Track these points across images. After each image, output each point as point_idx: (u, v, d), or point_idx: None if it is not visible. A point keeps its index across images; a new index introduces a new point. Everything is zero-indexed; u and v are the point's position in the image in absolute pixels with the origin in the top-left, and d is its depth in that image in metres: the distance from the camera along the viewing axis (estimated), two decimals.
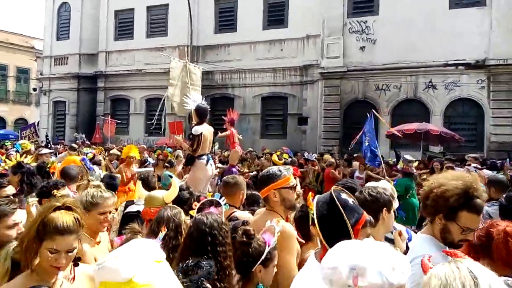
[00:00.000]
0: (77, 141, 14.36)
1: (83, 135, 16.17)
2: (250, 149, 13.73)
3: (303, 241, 2.21)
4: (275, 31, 15.78)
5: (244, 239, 1.78)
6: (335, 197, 1.54)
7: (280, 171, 2.27)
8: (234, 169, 6.96)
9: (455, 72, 12.51)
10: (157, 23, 18.33)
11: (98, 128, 17.68)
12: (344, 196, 1.58)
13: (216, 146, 12.03)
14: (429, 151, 11.99)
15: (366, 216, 1.55)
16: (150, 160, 8.10)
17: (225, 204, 2.21)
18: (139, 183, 3.30)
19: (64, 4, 20.55)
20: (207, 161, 5.21)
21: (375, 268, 1.02)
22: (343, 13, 13.70)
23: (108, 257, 1.05)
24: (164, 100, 9.32)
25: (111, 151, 9.27)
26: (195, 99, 5.48)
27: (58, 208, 1.56)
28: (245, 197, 3.16)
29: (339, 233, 1.46)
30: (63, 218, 1.52)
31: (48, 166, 4.49)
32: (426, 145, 11.84)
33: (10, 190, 2.90)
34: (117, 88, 18.96)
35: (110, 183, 3.29)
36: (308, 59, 14.99)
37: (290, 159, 8.64)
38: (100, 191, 2.45)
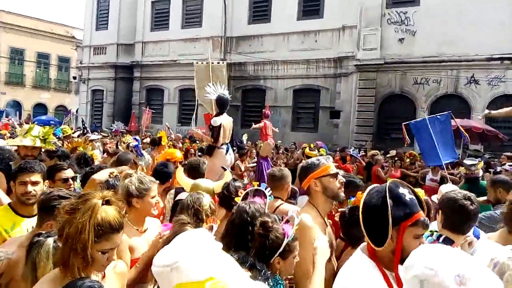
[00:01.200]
0: (113, 130, 14.92)
1: (122, 124, 16.80)
2: (279, 141, 13.71)
3: (343, 244, 2.16)
4: (310, 22, 15.50)
5: (261, 231, 1.74)
6: (387, 188, 1.47)
7: (318, 160, 2.24)
8: (264, 162, 6.97)
9: (499, 66, 11.81)
10: (192, 14, 18.51)
11: (134, 117, 18.21)
12: (402, 190, 1.49)
13: (245, 138, 12.10)
14: (469, 149, 11.46)
15: (421, 216, 1.46)
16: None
17: (270, 196, 2.19)
18: (180, 169, 3.23)
19: None
20: (227, 151, 5.36)
21: (480, 279, 1.00)
22: (381, 4, 13.22)
23: (179, 256, 0.97)
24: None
25: (143, 140, 9.54)
26: (217, 89, 5.61)
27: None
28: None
29: (379, 225, 1.42)
30: (113, 214, 1.44)
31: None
32: (466, 143, 11.31)
33: (69, 173, 2.90)
34: (152, 78, 19.40)
35: (163, 171, 3.29)
36: (343, 50, 14.63)
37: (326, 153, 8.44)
38: (144, 176, 2.44)
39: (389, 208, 1.43)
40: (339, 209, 2.50)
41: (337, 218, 2.47)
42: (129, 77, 20.14)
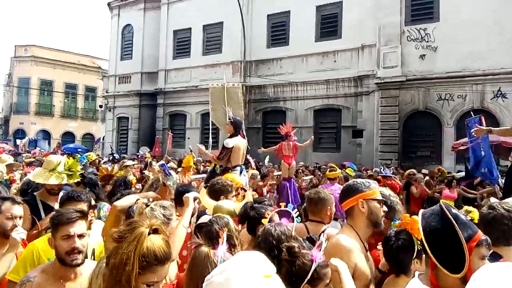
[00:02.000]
0: (139, 155, 15.29)
1: (147, 149, 17.22)
2: (301, 162, 13.61)
3: (389, 273, 2.02)
4: (328, 43, 15.65)
5: (287, 257, 1.66)
6: (445, 209, 1.40)
7: (368, 182, 2.17)
8: (287, 183, 6.92)
9: None
10: (212, 41, 19.05)
11: (158, 142, 18.60)
12: (454, 210, 1.44)
13: (267, 159, 12.09)
14: (499, 165, 11.02)
15: (481, 235, 1.39)
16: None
17: (297, 217, 2.12)
18: (203, 191, 3.18)
19: (127, 26, 22.16)
20: (240, 172, 5.34)
21: None
22: (400, 21, 13.24)
23: (215, 272, 1.02)
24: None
25: (168, 164, 9.65)
26: (241, 116, 5.74)
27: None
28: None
29: (450, 249, 1.32)
30: (159, 244, 1.35)
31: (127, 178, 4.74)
32: (496, 159, 10.90)
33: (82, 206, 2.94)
34: (175, 104, 19.88)
35: (185, 190, 3.30)
36: (363, 69, 14.62)
37: (355, 173, 8.19)
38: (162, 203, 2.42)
39: (457, 228, 1.33)
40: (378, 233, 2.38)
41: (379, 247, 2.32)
42: (152, 104, 20.71)
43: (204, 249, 1.71)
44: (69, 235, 1.89)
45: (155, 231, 1.37)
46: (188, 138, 18.74)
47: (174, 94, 19.81)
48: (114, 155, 13.85)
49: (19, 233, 2.32)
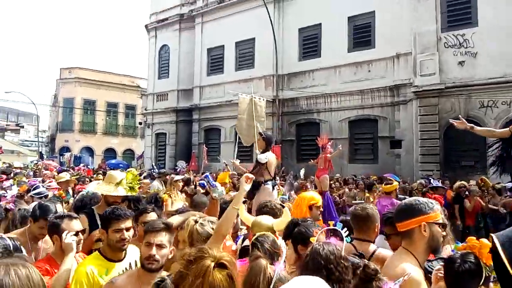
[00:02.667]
0: (178, 169, 15.74)
1: (185, 163, 17.74)
2: (337, 174, 13.40)
3: None
4: (362, 53, 15.49)
5: (362, 275, 1.58)
6: None
7: (432, 203, 2.00)
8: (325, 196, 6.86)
9: None
10: (245, 56, 19.43)
11: (194, 157, 19.03)
12: None
13: (302, 172, 12.01)
14: None
15: None
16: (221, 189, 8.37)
17: (347, 236, 2.02)
18: (242, 206, 3.10)
19: (164, 46, 23.12)
20: (273, 187, 5.39)
21: None
22: (436, 28, 12.89)
23: None
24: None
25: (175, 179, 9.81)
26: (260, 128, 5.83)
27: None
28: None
29: None
30: (220, 281, 1.31)
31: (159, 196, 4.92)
32: None
33: (152, 216, 3.01)
34: (209, 119, 20.34)
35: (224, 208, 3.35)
36: (399, 78, 14.31)
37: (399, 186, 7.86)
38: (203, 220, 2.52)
39: None
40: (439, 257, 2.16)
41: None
42: (188, 120, 21.31)
43: (263, 261, 1.70)
44: (150, 242, 2.11)
45: (220, 265, 1.34)
46: (219, 156, 19.03)
47: (209, 109, 20.29)
48: (154, 169, 14.31)
49: (70, 237, 2.43)
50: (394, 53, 14.47)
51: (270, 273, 1.63)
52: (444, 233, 2.00)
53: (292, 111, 17.64)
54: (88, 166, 19.66)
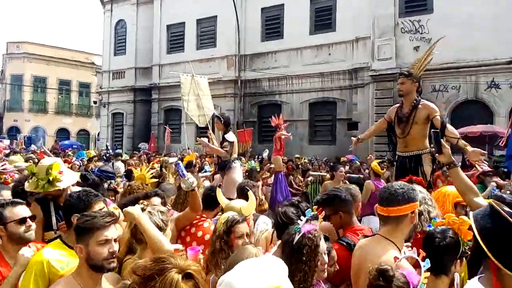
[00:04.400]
0: (141, 151, 15.34)
1: (146, 144, 17.33)
2: (296, 155, 13.61)
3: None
4: (323, 36, 15.62)
5: (381, 283, 1.49)
6: (499, 209, 1.32)
7: (414, 190, 2.02)
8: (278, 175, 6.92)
9: None
10: (206, 35, 18.93)
11: (154, 138, 18.54)
12: (506, 208, 1.35)
13: (266, 153, 12.09)
14: (494, 155, 11.13)
15: None
16: (207, 168, 8.30)
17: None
18: (219, 190, 3.03)
19: (120, 21, 21.96)
20: (240, 165, 5.52)
21: None
22: (394, 13, 13.22)
23: (230, 273, 1.00)
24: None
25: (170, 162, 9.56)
26: (211, 108, 5.72)
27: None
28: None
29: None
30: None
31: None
32: (490, 149, 11.00)
33: (155, 201, 2.85)
34: (169, 99, 19.78)
35: (211, 195, 3.05)
36: (358, 62, 14.62)
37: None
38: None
39: None
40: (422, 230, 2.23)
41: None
42: (147, 99, 20.61)
43: (253, 249, 1.75)
44: (107, 239, 1.80)
45: (188, 275, 1.20)
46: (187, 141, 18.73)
47: (169, 89, 19.70)
48: (108, 151, 13.77)
49: (28, 251, 2.08)
50: (354, 37, 14.71)
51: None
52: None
53: (254, 92, 17.58)
54: (40, 148, 18.56)
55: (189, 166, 6.81)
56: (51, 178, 2.75)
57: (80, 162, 9.70)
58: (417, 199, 1.99)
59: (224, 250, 2.16)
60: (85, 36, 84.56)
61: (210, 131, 5.76)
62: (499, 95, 11.93)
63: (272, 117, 7.47)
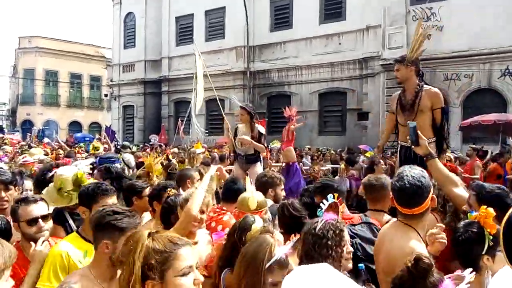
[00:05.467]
0: (151, 142, 15.54)
1: (156, 137, 17.53)
2: (307, 146, 13.59)
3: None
4: (332, 25, 15.44)
5: (414, 270, 1.38)
6: None
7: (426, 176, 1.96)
8: (291, 168, 6.87)
9: None
10: (215, 26, 18.88)
11: (164, 130, 18.68)
12: None
13: (275, 144, 12.11)
14: (506, 144, 10.98)
15: None
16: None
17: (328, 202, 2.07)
18: (247, 180, 2.98)
19: (129, 14, 22.01)
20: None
21: None
22: (405, 1, 13.00)
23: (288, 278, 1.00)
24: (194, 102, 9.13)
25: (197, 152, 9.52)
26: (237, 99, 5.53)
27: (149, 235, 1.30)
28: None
29: None
30: (168, 234, 1.30)
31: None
32: (504, 138, 10.85)
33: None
34: (179, 91, 19.86)
35: (232, 188, 3.01)
36: (368, 51, 14.45)
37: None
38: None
39: None
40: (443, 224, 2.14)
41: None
42: (157, 92, 20.73)
43: (270, 239, 1.66)
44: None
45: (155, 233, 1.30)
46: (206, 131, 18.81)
47: (178, 81, 19.78)
48: (118, 143, 13.93)
49: (44, 245, 2.03)
50: (364, 25, 14.52)
51: (273, 252, 1.58)
52: None
53: (263, 84, 17.53)
54: (54, 142, 18.83)
55: (222, 159, 6.79)
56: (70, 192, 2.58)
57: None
58: (430, 184, 1.94)
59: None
60: (95, 30, 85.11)
61: (227, 121, 5.39)
62: None
63: (286, 108, 7.42)
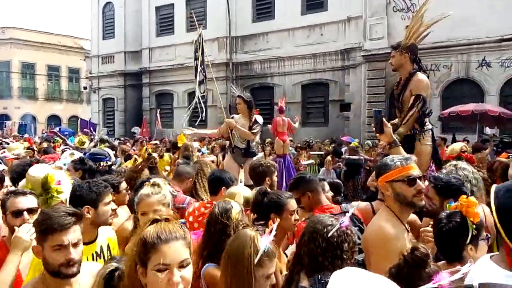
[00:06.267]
0: (135, 135, 15.30)
1: (139, 129, 17.31)
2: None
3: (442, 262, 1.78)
4: (314, 16, 15.39)
5: (410, 260, 1.38)
6: None
7: (393, 160, 1.98)
8: (281, 159, 6.84)
9: (511, 47, 11.53)
10: (196, 16, 18.48)
11: (145, 123, 18.38)
12: None
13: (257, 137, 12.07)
14: (484, 133, 11.24)
15: None
16: (204, 150, 8.19)
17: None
18: (242, 172, 3.13)
19: (108, 4, 21.42)
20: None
21: None
22: None
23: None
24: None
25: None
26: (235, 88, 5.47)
27: (156, 221, 1.27)
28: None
29: None
30: (165, 226, 1.23)
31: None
32: (481, 128, 11.10)
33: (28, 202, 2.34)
34: (160, 83, 19.56)
35: (213, 180, 3.01)
36: (350, 42, 14.48)
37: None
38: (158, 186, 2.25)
39: None
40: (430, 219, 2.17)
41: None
42: (138, 84, 20.34)
43: (251, 232, 1.58)
44: (62, 244, 1.58)
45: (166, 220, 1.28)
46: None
47: (160, 73, 19.46)
48: (94, 136, 13.61)
49: (27, 232, 1.90)
50: (345, 16, 14.53)
51: (258, 246, 1.52)
52: (419, 188, 1.92)
53: (246, 75, 17.40)
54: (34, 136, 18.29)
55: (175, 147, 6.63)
56: (54, 194, 2.46)
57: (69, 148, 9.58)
58: (390, 169, 1.93)
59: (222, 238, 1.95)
60: (73, 20, 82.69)
61: (229, 120, 5.17)
62: (490, 74, 11.95)
63: (280, 100, 7.27)
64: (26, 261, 1.94)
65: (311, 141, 12.71)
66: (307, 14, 15.62)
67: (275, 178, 3.36)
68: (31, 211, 2.10)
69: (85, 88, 27.18)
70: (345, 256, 1.61)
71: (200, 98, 6.43)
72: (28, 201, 2.13)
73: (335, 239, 1.62)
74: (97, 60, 21.86)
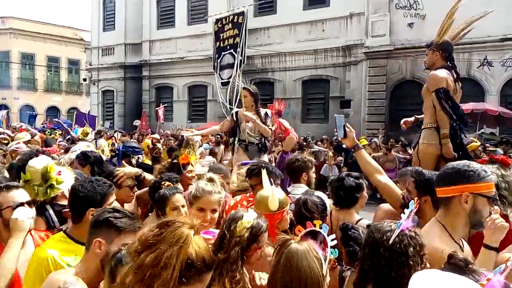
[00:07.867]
0: (137, 128, 15.31)
1: (139, 122, 17.32)
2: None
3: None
4: (316, 11, 15.31)
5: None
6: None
7: (485, 171, 1.72)
8: (287, 155, 6.79)
9: None
10: (197, 10, 18.45)
11: (145, 116, 18.34)
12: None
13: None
14: (484, 133, 11.26)
15: None
16: (206, 146, 8.10)
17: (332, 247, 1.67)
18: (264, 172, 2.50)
19: None
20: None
21: None
22: None
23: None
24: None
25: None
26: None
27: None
28: None
29: None
30: (205, 248, 1.18)
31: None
32: (481, 127, 11.11)
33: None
34: (161, 76, 19.47)
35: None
36: (352, 38, 14.43)
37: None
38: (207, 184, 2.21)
39: None
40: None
41: None
42: (138, 76, 20.26)
43: (306, 246, 1.45)
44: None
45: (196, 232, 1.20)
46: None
47: (160, 66, 19.37)
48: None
49: (23, 213, 1.89)
50: (347, 12, 14.46)
51: (316, 256, 1.42)
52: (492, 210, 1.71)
53: (247, 70, 17.29)
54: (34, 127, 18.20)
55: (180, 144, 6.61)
56: (54, 183, 2.39)
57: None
58: (475, 181, 1.69)
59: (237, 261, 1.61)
60: (73, 11, 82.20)
61: (246, 112, 4.72)
62: (491, 73, 11.93)
63: (278, 100, 7.17)
64: (23, 259, 1.88)
65: (307, 137, 12.71)
66: (309, 9, 15.54)
67: (311, 174, 3.20)
68: (30, 204, 2.08)
69: (84, 80, 27.08)
70: (411, 263, 1.42)
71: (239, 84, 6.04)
72: (23, 195, 2.08)
73: (397, 245, 1.43)
74: (97, 52, 21.75)
